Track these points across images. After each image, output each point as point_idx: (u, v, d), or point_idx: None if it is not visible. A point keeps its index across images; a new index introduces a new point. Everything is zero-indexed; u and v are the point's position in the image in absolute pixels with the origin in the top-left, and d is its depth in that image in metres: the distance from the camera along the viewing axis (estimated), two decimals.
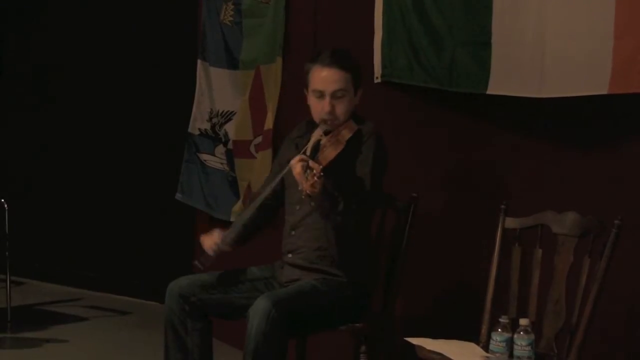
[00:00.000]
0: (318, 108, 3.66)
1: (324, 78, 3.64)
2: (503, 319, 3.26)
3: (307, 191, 3.35)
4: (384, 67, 4.33)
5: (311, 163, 3.38)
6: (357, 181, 3.60)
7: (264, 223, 3.85)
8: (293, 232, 3.73)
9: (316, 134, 3.65)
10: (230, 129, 5.27)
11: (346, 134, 3.61)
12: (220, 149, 5.36)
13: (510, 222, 3.61)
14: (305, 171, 3.35)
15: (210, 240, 3.69)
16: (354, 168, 3.63)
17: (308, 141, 3.64)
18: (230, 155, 5.25)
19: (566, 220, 3.45)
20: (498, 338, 3.23)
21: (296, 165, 3.42)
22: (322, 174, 3.34)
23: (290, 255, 3.72)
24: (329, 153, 3.54)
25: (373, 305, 3.80)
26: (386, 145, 3.71)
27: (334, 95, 3.63)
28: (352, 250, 3.68)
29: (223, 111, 5.32)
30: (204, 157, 5.47)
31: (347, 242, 3.66)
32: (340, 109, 3.64)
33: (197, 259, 3.68)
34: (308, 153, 3.54)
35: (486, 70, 3.92)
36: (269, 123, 4.86)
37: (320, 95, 3.64)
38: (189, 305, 3.66)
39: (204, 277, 3.74)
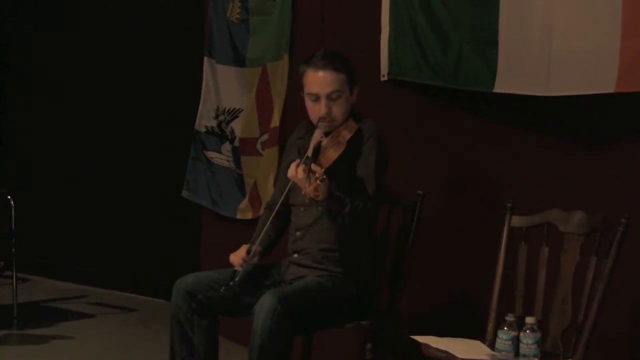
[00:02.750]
0: (315, 111, 3.66)
1: (318, 81, 3.63)
2: (509, 317, 3.26)
3: (311, 195, 3.34)
4: (390, 64, 4.33)
5: (313, 166, 3.35)
6: (361, 182, 3.60)
7: (282, 229, 3.85)
8: (298, 233, 3.73)
9: (316, 136, 3.65)
10: (236, 126, 5.26)
11: (346, 135, 3.61)
12: (226, 147, 5.35)
13: (517, 221, 3.61)
14: (307, 175, 3.33)
15: (239, 257, 3.68)
16: (356, 168, 3.62)
17: (309, 143, 3.63)
18: (236, 153, 5.25)
19: (573, 218, 3.45)
20: (504, 336, 3.24)
21: (297, 171, 3.40)
22: (324, 177, 3.33)
23: (295, 255, 3.73)
24: (331, 155, 3.54)
25: (379, 303, 3.80)
26: (387, 143, 3.71)
27: (329, 97, 3.63)
28: (358, 249, 3.68)
29: (229, 109, 5.32)
30: (211, 154, 5.46)
31: (352, 243, 3.66)
32: (337, 110, 3.64)
33: (231, 281, 3.62)
34: (310, 154, 3.52)
35: (493, 68, 3.92)
36: (275, 121, 4.85)
37: (316, 98, 3.64)
38: (196, 302, 3.66)
39: (210, 274, 3.75)
